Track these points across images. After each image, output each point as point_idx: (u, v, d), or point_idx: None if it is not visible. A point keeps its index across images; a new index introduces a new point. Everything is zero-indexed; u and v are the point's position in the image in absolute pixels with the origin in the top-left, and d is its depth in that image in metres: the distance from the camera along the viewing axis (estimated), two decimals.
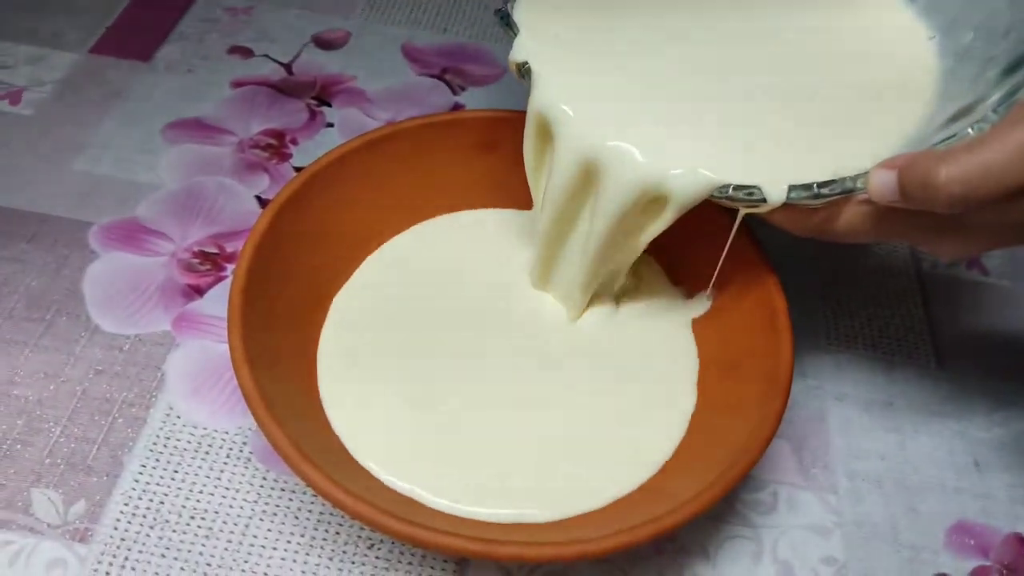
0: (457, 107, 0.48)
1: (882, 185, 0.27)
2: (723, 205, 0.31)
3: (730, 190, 0.30)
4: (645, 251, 0.34)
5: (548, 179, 0.34)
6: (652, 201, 0.32)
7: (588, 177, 0.33)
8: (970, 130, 0.27)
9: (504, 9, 0.34)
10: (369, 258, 0.39)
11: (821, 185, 0.29)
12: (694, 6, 0.36)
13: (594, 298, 0.37)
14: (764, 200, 0.30)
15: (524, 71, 0.33)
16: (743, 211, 0.31)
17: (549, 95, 0.32)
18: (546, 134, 0.33)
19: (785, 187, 0.29)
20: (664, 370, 0.36)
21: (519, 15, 0.34)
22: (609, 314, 0.38)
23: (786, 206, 0.30)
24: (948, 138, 0.28)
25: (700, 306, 0.37)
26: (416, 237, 0.40)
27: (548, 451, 0.33)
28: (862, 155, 0.30)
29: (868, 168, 0.29)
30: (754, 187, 0.30)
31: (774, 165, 0.31)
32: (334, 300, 0.37)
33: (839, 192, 0.29)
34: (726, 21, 0.36)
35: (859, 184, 0.29)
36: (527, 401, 0.35)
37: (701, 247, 0.36)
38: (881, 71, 0.34)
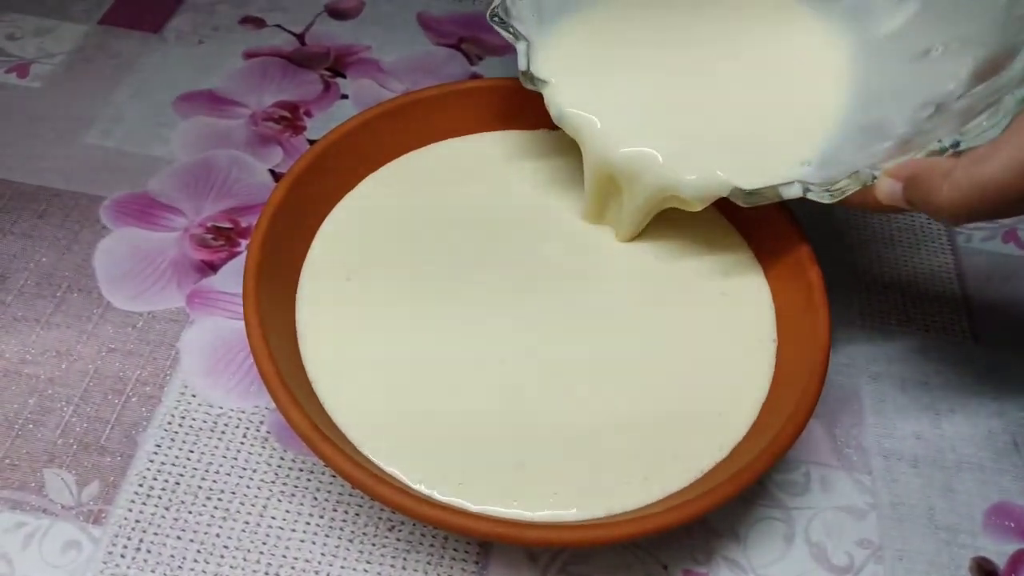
0: (475, 77, 0.47)
1: (889, 195, 0.29)
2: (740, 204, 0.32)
3: (747, 191, 0.31)
4: None
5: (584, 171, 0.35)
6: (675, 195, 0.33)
7: (615, 176, 0.33)
8: (984, 122, 0.27)
9: (496, 11, 0.33)
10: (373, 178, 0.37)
11: (837, 182, 0.30)
12: (690, 15, 0.36)
13: (646, 234, 0.36)
14: (781, 198, 0.30)
15: (533, 79, 0.33)
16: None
17: (567, 102, 0.33)
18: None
19: (799, 186, 0.30)
20: (735, 329, 0.34)
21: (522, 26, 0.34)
22: (669, 251, 0.36)
23: None
24: (968, 106, 0.29)
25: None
26: (432, 158, 0.38)
27: (592, 437, 0.30)
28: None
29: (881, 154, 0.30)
30: (769, 188, 0.30)
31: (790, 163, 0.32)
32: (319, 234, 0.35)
33: (856, 187, 0.29)
34: (715, 24, 0.36)
35: (875, 177, 0.29)
36: (569, 370, 0.32)
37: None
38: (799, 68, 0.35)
